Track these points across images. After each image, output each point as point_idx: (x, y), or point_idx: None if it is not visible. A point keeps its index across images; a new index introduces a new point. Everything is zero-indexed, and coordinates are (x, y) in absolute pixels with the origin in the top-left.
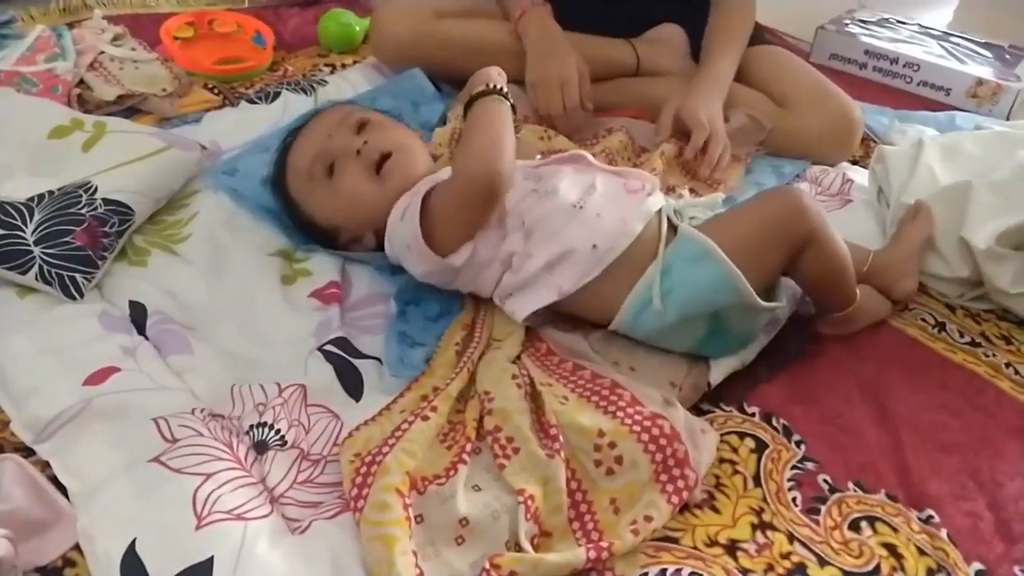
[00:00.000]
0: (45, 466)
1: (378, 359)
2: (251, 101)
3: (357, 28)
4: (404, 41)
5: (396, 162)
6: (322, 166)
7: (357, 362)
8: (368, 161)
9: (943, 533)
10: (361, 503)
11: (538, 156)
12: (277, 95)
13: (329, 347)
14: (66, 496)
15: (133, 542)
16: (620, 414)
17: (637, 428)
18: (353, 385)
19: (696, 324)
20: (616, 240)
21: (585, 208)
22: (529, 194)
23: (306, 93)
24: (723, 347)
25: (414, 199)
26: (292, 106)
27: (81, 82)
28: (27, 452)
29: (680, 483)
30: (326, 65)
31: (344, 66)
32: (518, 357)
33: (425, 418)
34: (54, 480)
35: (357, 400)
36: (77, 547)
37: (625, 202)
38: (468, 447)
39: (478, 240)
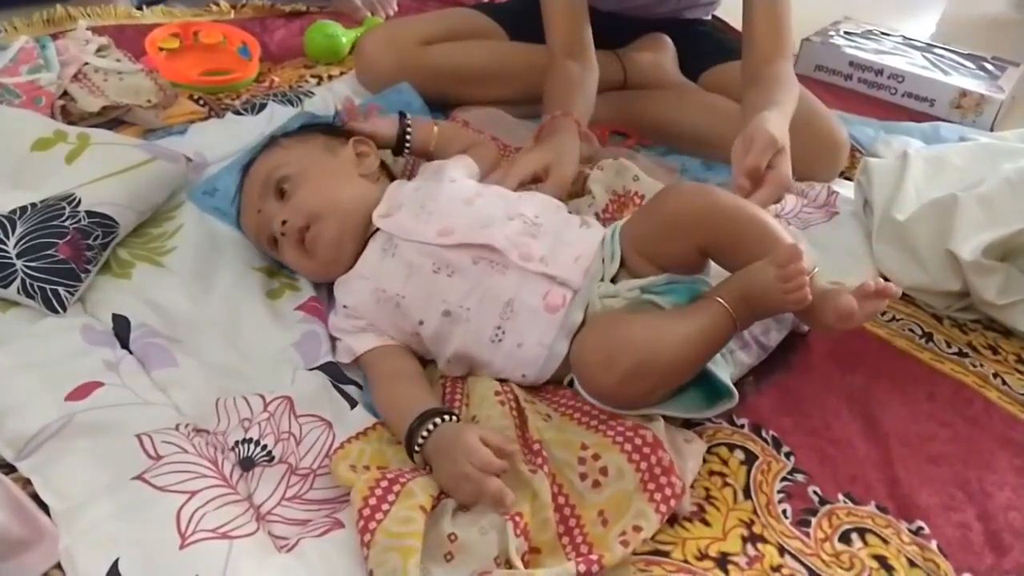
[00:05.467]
0: (26, 483)
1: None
2: (237, 112)
3: (343, 40)
4: (390, 72)
5: (315, 234)
6: (266, 241)
7: (346, 387)
8: (292, 241)
9: (933, 544)
10: (380, 516)
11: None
12: (263, 106)
13: (317, 371)
14: (48, 514)
15: (116, 561)
16: (602, 427)
17: (620, 439)
18: (344, 396)
19: None
20: (544, 366)
21: (504, 340)
22: (441, 318)
23: (292, 104)
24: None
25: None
26: (278, 117)
27: (65, 93)
28: (8, 469)
29: (667, 491)
30: (312, 76)
31: (331, 77)
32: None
33: None
34: (35, 498)
35: (351, 407)
36: (59, 566)
37: (545, 324)
38: None
39: None
